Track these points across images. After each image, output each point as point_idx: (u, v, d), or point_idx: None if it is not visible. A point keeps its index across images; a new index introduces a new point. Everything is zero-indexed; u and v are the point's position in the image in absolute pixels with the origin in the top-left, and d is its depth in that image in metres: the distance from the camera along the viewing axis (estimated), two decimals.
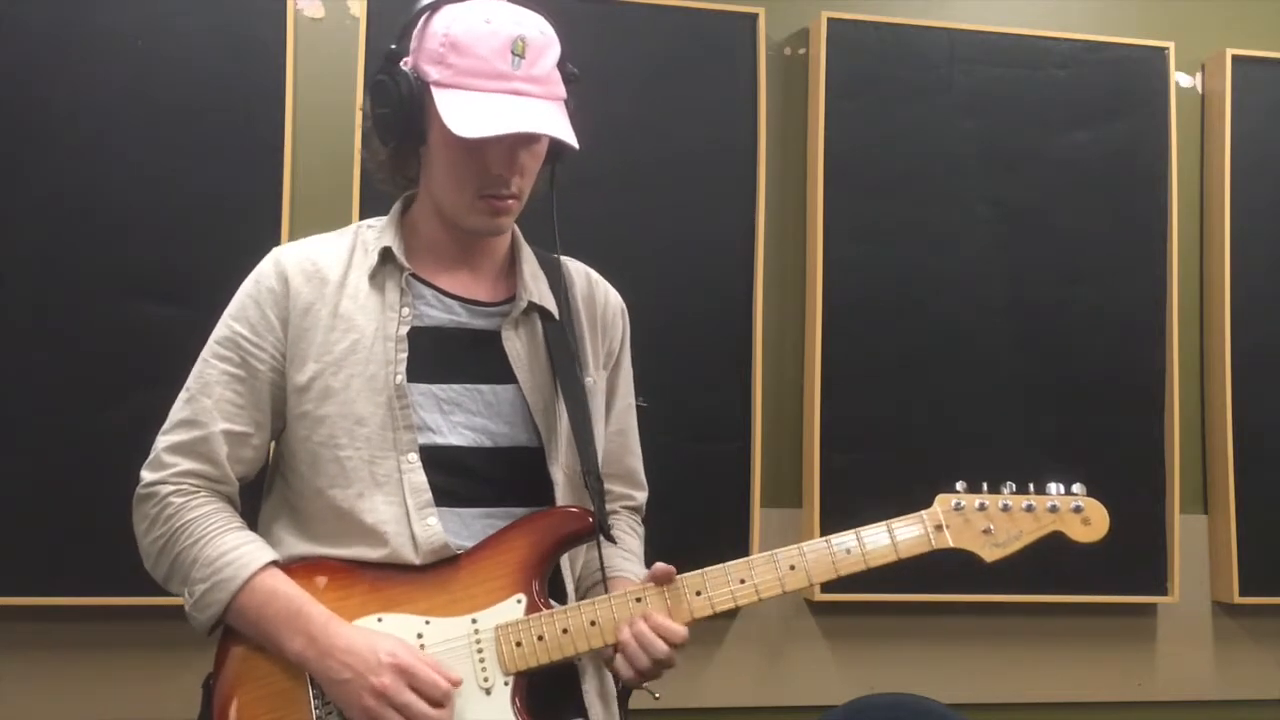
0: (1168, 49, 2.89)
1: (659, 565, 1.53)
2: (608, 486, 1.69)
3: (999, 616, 2.75)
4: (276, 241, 2.40)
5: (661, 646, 1.47)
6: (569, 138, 1.49)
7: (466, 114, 1.45)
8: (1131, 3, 2.98)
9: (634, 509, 1.78)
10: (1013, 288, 2.80)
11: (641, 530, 1.78)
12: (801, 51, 2.80)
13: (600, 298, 1.71)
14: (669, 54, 2.67)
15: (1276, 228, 2.93)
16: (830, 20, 2.72)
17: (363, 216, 2.42)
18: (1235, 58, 2.92)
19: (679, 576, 1.52)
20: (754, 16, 2.71)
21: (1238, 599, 2.82)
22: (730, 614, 2.40)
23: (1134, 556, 2.77)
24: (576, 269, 1.72)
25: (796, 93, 2.78)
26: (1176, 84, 2.91)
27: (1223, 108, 2.92)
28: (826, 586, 2.44)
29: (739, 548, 2.63)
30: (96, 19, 2.40)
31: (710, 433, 2.64)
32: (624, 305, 1.75)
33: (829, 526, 2.63)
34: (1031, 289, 2.80)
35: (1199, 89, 2.98)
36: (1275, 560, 2.85)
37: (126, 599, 2.31)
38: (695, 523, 2.57)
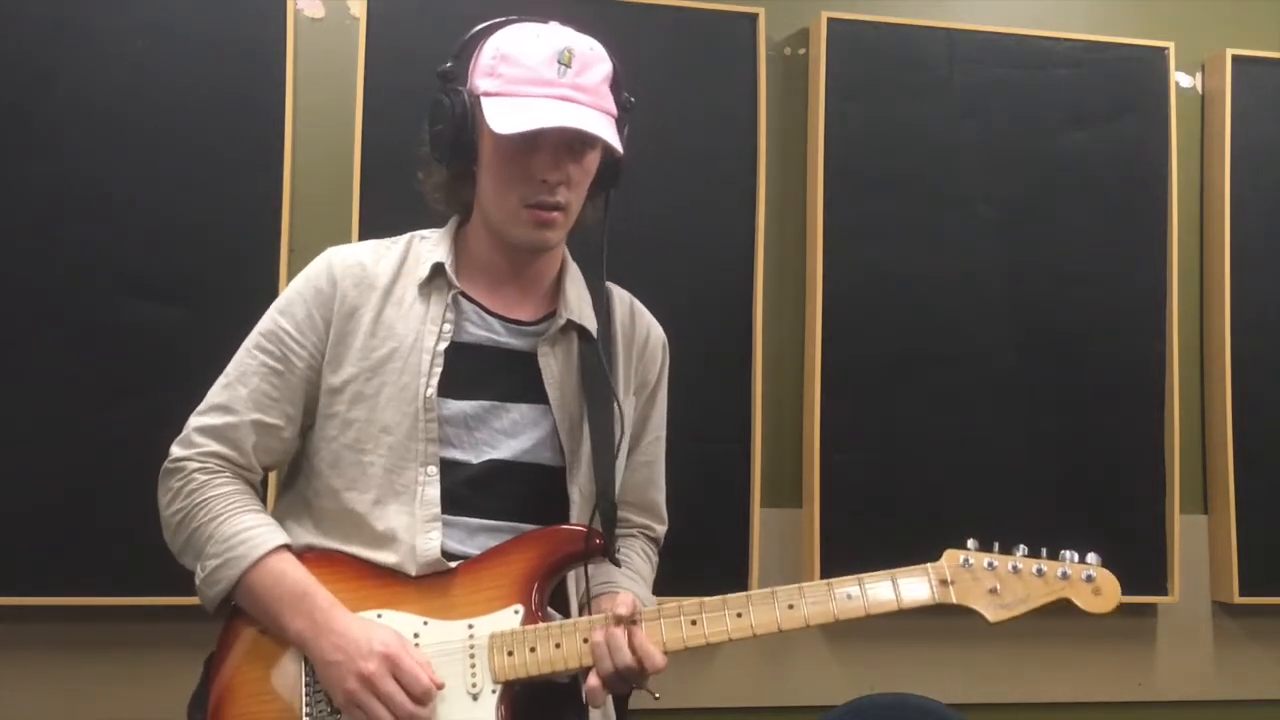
0: (1168, 49, 2.89)
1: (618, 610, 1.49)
2: (628, 515, 1.72)
3: None
4: (277, 241, 2.42)
5: (626, 657, 1.44)
6: (612, 139, 1.51)
7: (509, 115, 1.48)
8: (1131, 3, 2.97)
9: (652, 539, 1.79)
10: (1013, 288, 2.79)
11: (655, 560, 1.78)
12: (801, 51, 2.79)
13: (641, 328, 1.73)
14: (669, 54, 2.67)
15: (1276, 228, 2.92)
16: (830, 20, 2.72)
17: (363, 217, 2.46)
18: (1235, 58, 2.92)
19: (677, 601, 1.50)
20: (754, 16, 2.70)
21: (1238, 599, 2.82)
22: None
23: (1134, 556, 2.76)
24: (621, 296, 1.74)
25: (796, 93, 2.78)
26: (1176, 84, 2.90)
27: (1223, 108, 2.92)
28: None
29: (739, 548, 2.63)
30: (96, 19, 2.40)
31: (710, 433, 2.63)
32: (665, 339, 1.77)
33: (829, 526, 2.67)
34: (1031, 289, 2.80)
35: (1199, 89, 2.98)
36: (1275, 560, 2.85)
37: (127, 599, 2.31)
38: (695, 523, 2.56)
